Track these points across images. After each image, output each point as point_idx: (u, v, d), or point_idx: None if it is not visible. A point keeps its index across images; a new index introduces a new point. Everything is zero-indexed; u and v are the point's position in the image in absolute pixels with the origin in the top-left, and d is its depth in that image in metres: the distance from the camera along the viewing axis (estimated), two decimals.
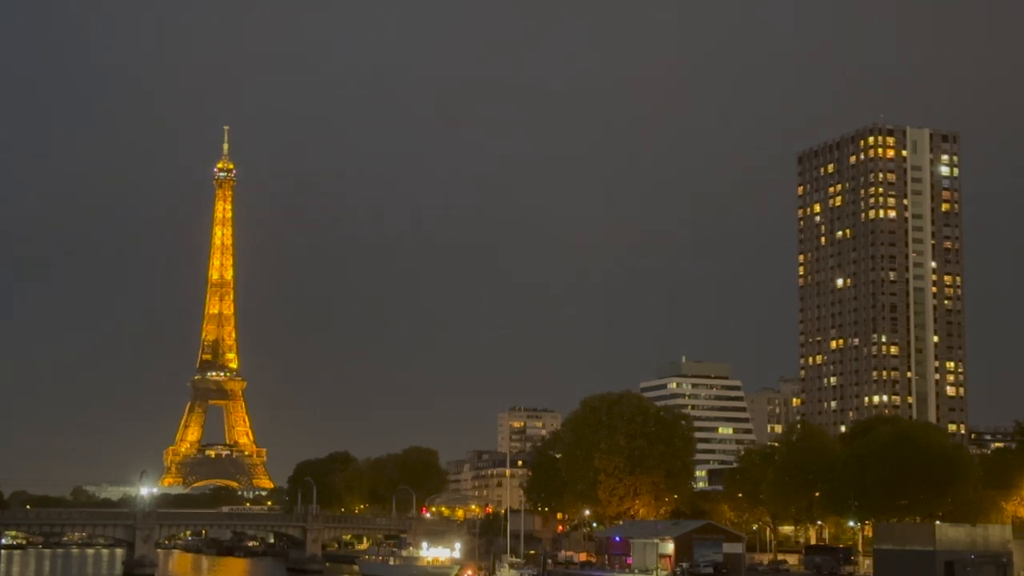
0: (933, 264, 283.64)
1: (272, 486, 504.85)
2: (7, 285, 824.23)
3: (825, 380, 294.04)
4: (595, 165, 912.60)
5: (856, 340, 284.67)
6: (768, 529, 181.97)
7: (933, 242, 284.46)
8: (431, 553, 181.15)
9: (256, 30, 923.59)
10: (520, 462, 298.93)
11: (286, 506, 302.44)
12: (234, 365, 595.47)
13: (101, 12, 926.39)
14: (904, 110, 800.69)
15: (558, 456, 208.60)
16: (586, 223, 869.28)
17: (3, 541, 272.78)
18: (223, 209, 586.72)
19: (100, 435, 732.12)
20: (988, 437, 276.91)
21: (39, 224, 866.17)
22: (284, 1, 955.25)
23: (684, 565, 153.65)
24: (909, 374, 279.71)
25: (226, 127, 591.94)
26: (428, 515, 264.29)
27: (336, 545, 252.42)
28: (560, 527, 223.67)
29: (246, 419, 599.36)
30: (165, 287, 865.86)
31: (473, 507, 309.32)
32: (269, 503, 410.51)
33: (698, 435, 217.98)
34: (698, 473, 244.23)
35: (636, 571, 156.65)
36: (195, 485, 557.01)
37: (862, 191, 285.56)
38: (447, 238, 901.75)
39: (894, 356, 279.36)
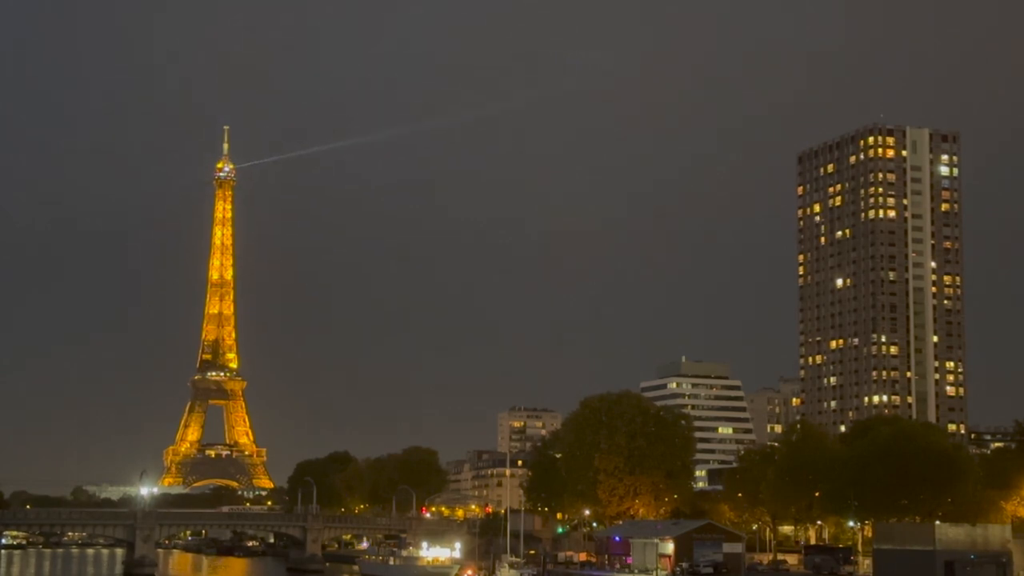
0: (933, 264, 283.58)
1: (272, 486, 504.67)
2: (7, 285, 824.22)
3: (825, 380, 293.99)
4: (593, 165, 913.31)
5: (856, 340, 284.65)
6: (768, 529, 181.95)
7: (933, 242, 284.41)
8: (431, 553, 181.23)
9: (257, 29, 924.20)
10: (520, 462, 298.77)
11: (286, 506, 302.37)
12: (234, 365, 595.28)
13: (101, 12, 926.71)
14: (904, 110, 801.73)
15: (558, 456, 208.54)
16: (586, 224, 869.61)
17: (3, 541, 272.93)
18: (223, 209, 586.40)
19: (100, 435, 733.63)
20: (988, 437, 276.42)
21: (39, 224, 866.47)
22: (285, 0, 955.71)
23: (684, 565, 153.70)
24: (909, 374, 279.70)
25: (226, 127, 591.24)
26: (428, 515, 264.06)
27: (336, 545, 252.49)
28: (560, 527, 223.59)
29: (246, 419, 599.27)
30: (165, 287, 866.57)
31: (473, 507, 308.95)
32: (269, 503, 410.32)
33: (698, 435, 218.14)
34: (698, 473, 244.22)
35: (636, 571, 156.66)
36: (195, 485, 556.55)
37: (862, 191, 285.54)
38: (446, 239, 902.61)
39: (894, 356, 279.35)
